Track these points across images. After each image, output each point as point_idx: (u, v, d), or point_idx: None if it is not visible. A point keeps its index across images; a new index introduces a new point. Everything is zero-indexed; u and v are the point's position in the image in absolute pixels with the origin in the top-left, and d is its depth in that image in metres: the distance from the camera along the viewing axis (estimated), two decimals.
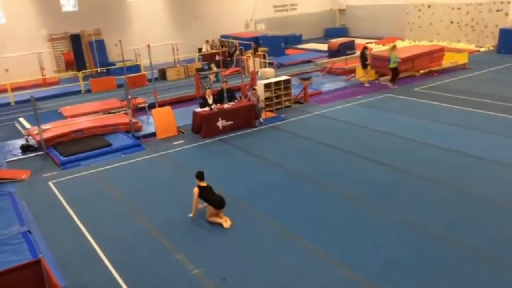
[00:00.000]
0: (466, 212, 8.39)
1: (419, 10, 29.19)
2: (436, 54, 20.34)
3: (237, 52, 24.68)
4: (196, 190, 8.53)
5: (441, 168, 10.33)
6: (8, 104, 19.33)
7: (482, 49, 25.47)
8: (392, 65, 17.77)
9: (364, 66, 18.56)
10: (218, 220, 8.43)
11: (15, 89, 20.20)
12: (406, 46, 24.21)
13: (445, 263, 6.92)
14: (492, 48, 25.36)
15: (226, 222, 8.36)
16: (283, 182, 10.14)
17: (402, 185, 9.64)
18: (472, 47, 25.63)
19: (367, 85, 18.51)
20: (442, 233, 7.70)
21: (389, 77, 18.70)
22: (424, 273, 6.71)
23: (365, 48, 18.98)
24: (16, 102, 19.33)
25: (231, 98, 14.73)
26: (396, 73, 18.07)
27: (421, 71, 19.64)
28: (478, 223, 7.99)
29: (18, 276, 5.97)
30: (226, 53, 25.52)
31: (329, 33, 33.79)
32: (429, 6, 28.60)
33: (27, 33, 23.71)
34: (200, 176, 8.62)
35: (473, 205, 8.64)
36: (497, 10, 25.54)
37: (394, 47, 18.15)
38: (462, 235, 7.61)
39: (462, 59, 21.12)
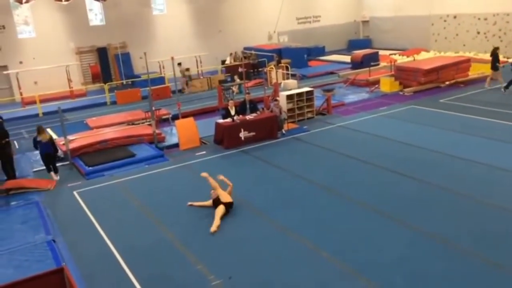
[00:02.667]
0: (493, 226, 8.13)
1: (445, 21, 28.81)
2: (462, 65, 20.01)
3: None
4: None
5: (466, 180, 10.08)
6: (36, 115, 19.87)
7: (510, 60, 24.89)
8: None
9: (496, 67, 18.44)
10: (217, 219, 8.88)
11: (43, 100, 20.78)
12: (431, 57, 23.94)
13: (472, 278, 6.70)
14: None
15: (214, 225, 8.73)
16: (304, 193, 10.05)
17: (426, 197, 9.43)
18: (500, 57, 25.03)
19: (503, 86, 18.12)
20: (469, 247, 7.48)
21: (415, 88, 18.48)
22: (450, 287, 6.53)
23: (496, 48, 18.83)
24: (44, 113, 19.86)
25: (253, 110, 14.75)
26: None
27: (447, 82, 19.34)
28: (506, 238, 7.73)
29: (41, 284, 6.03)
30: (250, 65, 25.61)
31: (353, 45, 33.62)
32: (454, 17, 28.21)
33: (55, 46, 24.38)
34: None
35: (501, 219, 8.37)
36: None
37: None
38: (489, 250, 7.38)
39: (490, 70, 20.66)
